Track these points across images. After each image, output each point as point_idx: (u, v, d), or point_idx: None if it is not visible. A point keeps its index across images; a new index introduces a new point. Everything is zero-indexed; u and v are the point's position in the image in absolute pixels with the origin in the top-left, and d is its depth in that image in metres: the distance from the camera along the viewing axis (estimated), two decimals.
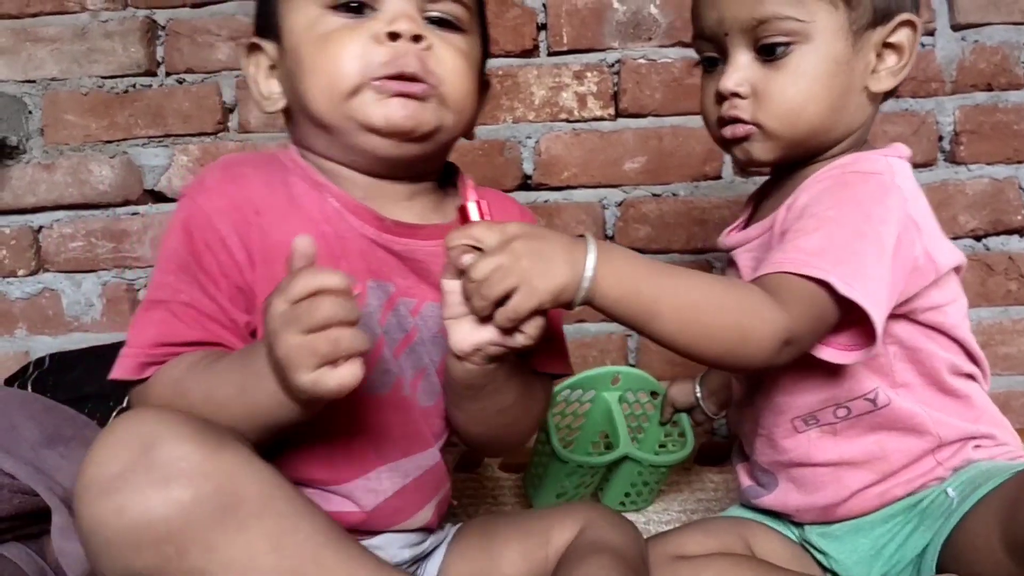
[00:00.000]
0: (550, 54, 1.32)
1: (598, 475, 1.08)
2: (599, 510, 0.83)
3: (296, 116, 0.77)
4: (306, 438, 0.71)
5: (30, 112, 1.34)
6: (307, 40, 0.73)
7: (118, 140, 1.34)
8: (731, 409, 0.92)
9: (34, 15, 1.34)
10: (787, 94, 0.77)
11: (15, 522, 0.84)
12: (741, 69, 0.79)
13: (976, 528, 0.71)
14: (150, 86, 1.35)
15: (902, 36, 0.78)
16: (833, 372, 0.77)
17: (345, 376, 0.59)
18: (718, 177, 1.31)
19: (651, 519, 1.11)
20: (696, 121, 1.29)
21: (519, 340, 0.65)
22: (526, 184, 1.33)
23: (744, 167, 0.84)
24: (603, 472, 1.09)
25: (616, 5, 1.30)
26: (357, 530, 0.73)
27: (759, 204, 0.88)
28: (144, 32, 1.33)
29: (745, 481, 0.91)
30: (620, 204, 1.32)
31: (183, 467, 0.57)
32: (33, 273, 1.36)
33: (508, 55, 1.31)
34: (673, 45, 1.31)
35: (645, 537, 0.83)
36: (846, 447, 0.80)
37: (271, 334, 0.60)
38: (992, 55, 1.27)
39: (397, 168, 0.76)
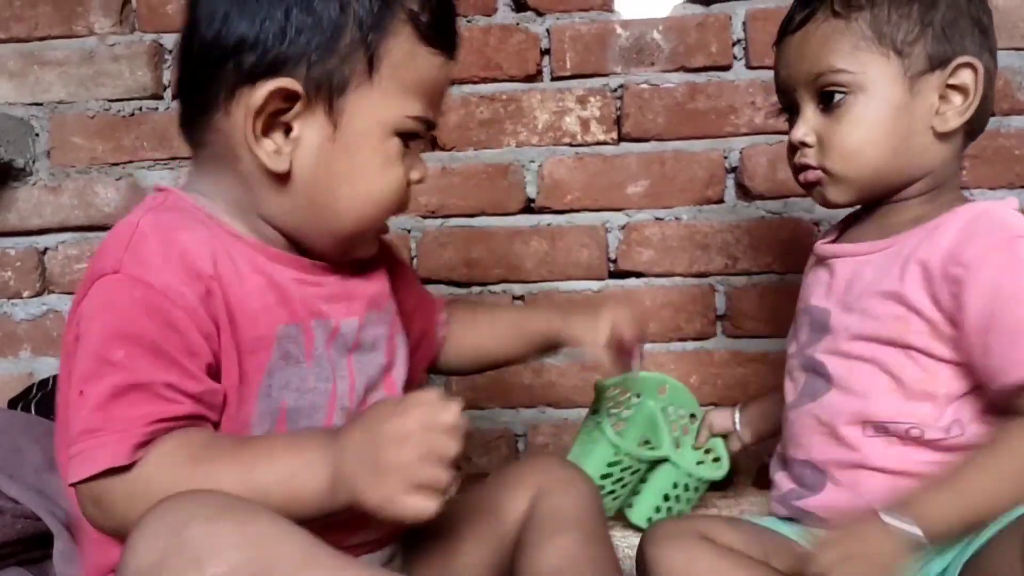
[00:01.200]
0: (553, 79, 1.33)
1: (637, 474, 1.06)
2: (549, 470, 0.84)
3: (288, 187, 0.73)
4: None
5: (37, 135, 1.35)
6: (375, 153, 0.74)
7: (124, 163, 1.35)
8: (784, 412, 0.94)
9: (42, 39, 1.35)
10: (847, 140, 0.84)
11: (17, 547, 0.84)
12: (807, 121, 0.87)
13: (999, 553, 0.72)
14: (156, 109, 1.35)
15: (964, 78, 0.83)
16: (927, 391, 0.81)
17: (438, 508, 0.62)
18: (720, 201, 1.32)
19: None
20: (698, 146, 1.31)
21: None
22: (529, 208, 1.33)
23: (827, 207, 0.92)
24: (641, 475, 1.07)
25: (619, 31, 1.31)
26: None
27: (854, 222, 0.94)
28: (151, 56, 1.35)
29: (786, 485, 0.91)
30: (623, 228, 1.33)
31: (214, 544, 0.56)
32: (38, 295, 1.36)
33: (512, 80, 1.32)
34: (676, 70, 1.31)
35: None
36: (910, 458, 0.81)
37: (393, 438, 0.62)
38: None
39: None
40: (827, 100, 0.85)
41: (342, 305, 0.78)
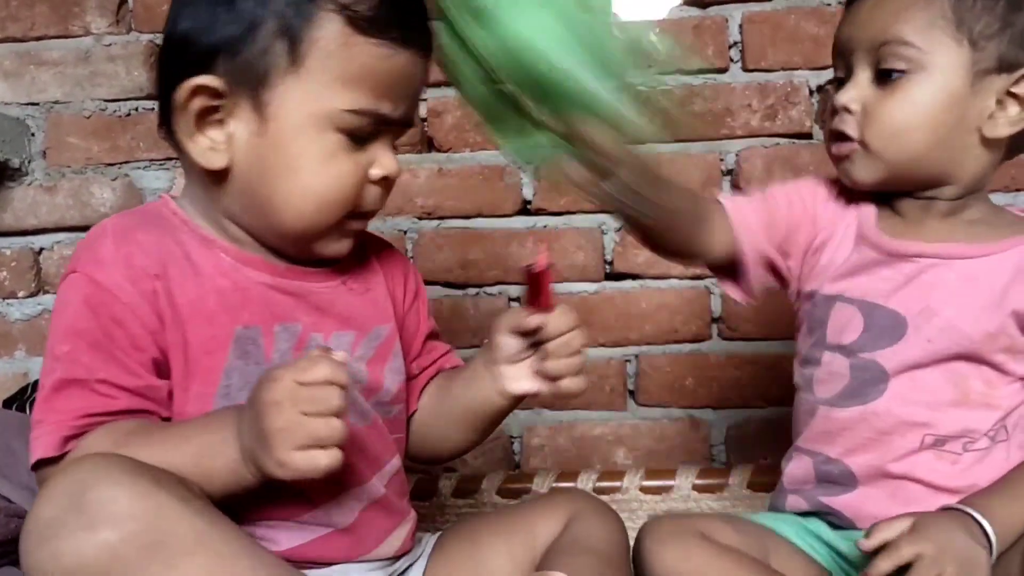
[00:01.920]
0: None
1: None
2: (585, 500, 0.84)
3: (228, 183, 0.74)
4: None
5: (33, 134, 1.35)
6: (307, 148, 0.72)
7: (120, 163, 1.35)
8: (810, 403, 0.90)
9: (38, 38, 1.35)
10: (894, 116, 0.81)
11: (11, 546, 0.84)
12: (858, 87, 0.82)
13: (1000, 568, 0.73)
14: (152, 109, 1.35)
15: None
16: (988, 404, 0.80)
17: (333, 459, 0.63)
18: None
19: None
20: (695, 148, 1.31)
21: (570, 386, 0.81)
22: (526, 209, 1.33)
23: (852, 185, 0.87)
24: None
25: (615, 33, 1.31)
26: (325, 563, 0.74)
27: (894, 215, 0.87)
28: (147, 56, 1.34)
29: (809, 479, 0.88)
30: (619, 230, 1.33)
31: (111, 510, 0.58)
32: (33, 295, 1.36)
33: None
34: (672, 73, 1.31)
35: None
36: (957, 476, 0.80)
37: (267, 404, 0.62)
38: None
39: None
40: (885, 74, 0.81)
41: (312, 318, 0.77)
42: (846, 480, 0.85)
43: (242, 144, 0.72)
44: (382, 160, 0.75)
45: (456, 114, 1.32)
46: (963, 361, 0.81)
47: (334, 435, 0.62)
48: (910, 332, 0.82)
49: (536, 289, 0.78)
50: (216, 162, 0.72)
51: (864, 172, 0.84)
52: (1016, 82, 0.80)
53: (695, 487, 1.20)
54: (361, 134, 0.73)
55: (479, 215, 1.34)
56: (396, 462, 0.82)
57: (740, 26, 1.30)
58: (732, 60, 1.31)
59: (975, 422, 0.80)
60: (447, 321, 1.32)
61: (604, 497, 1.17)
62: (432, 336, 0.92)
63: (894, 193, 0.87)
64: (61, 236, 1.36)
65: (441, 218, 1.34)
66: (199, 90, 0.70)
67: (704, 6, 1.31)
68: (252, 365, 0.73)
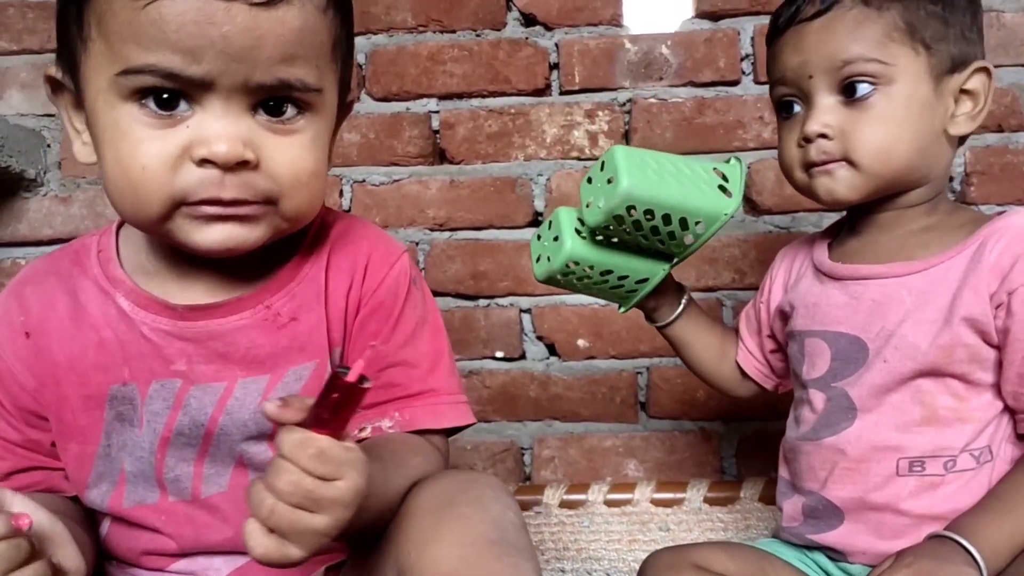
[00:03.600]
0: (562, 93, 1.33)
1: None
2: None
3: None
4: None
5: (48, 145, 1.36)
6: (104, 129, 0.64)
7: None
8: (791, 440, 0.90)
9: (54, 51, 1.36)
10: (877, 134, 0.79)
11: None
12: (826, 112, 0.81)
13: None
14: None
15: (977, 83, 0.81)
16: (961, 419, 0.79)
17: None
18: None
19: None
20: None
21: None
22: (537, 221, 1.34)
23: (828, 208, 0.88)
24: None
25: (628, 45, 1.32)
26: None
27: (846, 234, 0.90)
28: None
29: (798, 517, 0.88)
30: None
31: None
32: None
33: (520, 94, 1.33)
34: (684, 85, 1.32)
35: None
36: (939, 503, 0.79)
37: None
38: (1002, 97, 1.27)
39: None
40: (850, 91, 0.80)
41: (214, 366, 0.71)
42: (832, 515, 0.84)
43: (88, 136, 0.68)
44: (203, 134, 0.62)
45: (468, 126, 1.33)
46: (925, 378, 0.79)
47: None
48: (871, 356, 0.81)
49: (332, 404, 0.55)
50: (86, 157, 0.69)
51: (847, 188, 0.82)
52: (968, 78, 0.81)
53: (706, 499, 1.20)
54: (161, 101, 0.62)
55: (490, 226, 1.34)
56: None
57: (752, 39, 1.30)
58: (744, 73, 1.31)
59: (949, 439, 0.79)
60: (458, 332, 1.33)
61: (615, 509, 1.18)
62: (399, 364, 0.77)
63: (862, 206, 0.86)
64: None
65: (452, 229, 1.35)
66: (49, 82, 0.69)
67: (716, 19, 1.31)
68: (127, 427, 0.72)
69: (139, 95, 0.62)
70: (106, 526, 0.77)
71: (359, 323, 0.76)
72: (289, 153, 0.66)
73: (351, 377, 0.54)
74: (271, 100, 0.65)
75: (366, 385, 0.54)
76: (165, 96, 0.62)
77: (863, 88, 0.79)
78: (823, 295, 0.87)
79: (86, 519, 0.76)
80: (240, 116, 0.63)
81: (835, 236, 0.92)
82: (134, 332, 0.71)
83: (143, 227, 0.69)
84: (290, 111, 0.66)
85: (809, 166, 0.83)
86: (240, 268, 0.72)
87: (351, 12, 0.72)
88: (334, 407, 0.54)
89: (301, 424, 0.55)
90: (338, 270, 0.75)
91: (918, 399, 0.79)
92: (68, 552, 0.63)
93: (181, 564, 0.75)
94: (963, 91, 0.81)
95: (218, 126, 0.62)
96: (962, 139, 0.85)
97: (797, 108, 0.85)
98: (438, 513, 0.64)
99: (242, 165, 0.63)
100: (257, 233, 0.67)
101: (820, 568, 0.87)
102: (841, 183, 0.82)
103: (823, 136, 0.81)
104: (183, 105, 0.63)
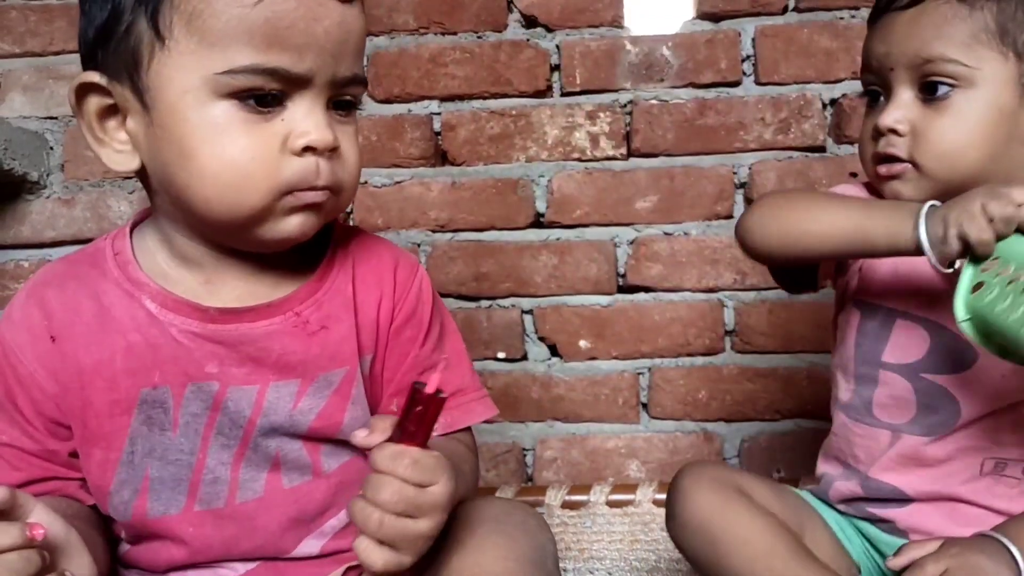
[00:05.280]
0: (563, 94, 1.33)
1: None
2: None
3: (155, 187, 0.70)
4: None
5: (51, 148, 1.37)
6: (196, 127, 0.64)
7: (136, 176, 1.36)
8: (853, 424, 0.87)
9: (56, 53, 1.36)
10: (947, 136, 0.77)
11: None
12: (902, 107, 0.79)
13: None
14: None
15: None
16: None
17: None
18: (730, 216, 1.32)
19: (663, 552, 1.10)
20: (707, 161, 1.31)
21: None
22: (539, 222, 1.34)
23: None
24: None
25: (629, 47, 1.32)
26: None
27: None
28: None
29: (854, 493, 0.86)
30: (632, 242, 1.33)
31: None
32: None
33: (522, 95, 1.33)
34: (685, 86, 1.32)
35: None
36: (1017, 503, 0.79)
37: None
38: None
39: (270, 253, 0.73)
40: (930, 90, 0.77)
41: (245, 369, 0.71)
42: (898, 496, 0.83)
43: (142, 140, 0.67)
44: (300, 126, 0.65)
45: (470, 128, 1.33)
46: None
47: None
48: (981, 359, 0.79)
49: (417, 416, 0.61)
50: (127, 164, 0.68)
51: (913, 191, 0.80)
52: None
53: None
54: (261, 99, 0.64)
55: (492, 228, 1.34)
56: (344, 517, 0.76)
57: (753, 40, 1.31)
58: (745, 74, 1.31)
59: None
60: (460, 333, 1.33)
61: (617, 510, 1.18)
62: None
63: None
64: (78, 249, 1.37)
65: (454, 231, 1.35)
66: (84, 90, 0.66)
67: (717, 20, 1.31)
68: (156, 432, 0.71)
69: (239, 93, 0.64)
70: (125, 546, 0.76)
71: (394, 331, 0.78)
72: (353, 145, 0.71)
73: (429, 389, 0.59)
74: (342, 95, 0.69)
75: (443, 396, 0.60)
76: (268, 94, 0.64)
77: (942, 89, 0.77)
78: (931, 282, 0.82)
79: (100, 523, 0.75)
80: (323, 109, 0.67)
81: None
82: (164, 335, 0.70)
83: (235, 222, 0.67)
84: (348, 106, 0.71)
85: (877, 160, 0.81)
86: (267, 275, 0.73)
87: None
88: (419, 419, 0.60)
89: (388, 440, 0.61)
90: (365, 283, 0.77)
91: (1016, 405, 0.79)
92: (82, 562, 0.64)
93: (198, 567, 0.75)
94: None
95: (313, 118, 0.66)
96: None
97: (881, 99, 0.82)
98: (487, 527, 0.70)
99: (333, 152, 0.67)
100: (319, 221, 0.70)
101: (857, 531, 0.86)
102: (907, 186, 0.80)
103: (894, 131, 0.79)
104: (277, 101, 0.65)
